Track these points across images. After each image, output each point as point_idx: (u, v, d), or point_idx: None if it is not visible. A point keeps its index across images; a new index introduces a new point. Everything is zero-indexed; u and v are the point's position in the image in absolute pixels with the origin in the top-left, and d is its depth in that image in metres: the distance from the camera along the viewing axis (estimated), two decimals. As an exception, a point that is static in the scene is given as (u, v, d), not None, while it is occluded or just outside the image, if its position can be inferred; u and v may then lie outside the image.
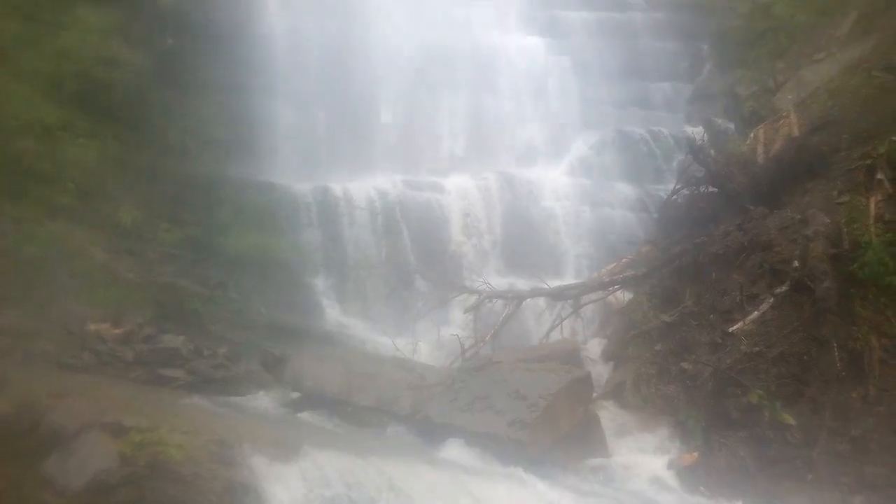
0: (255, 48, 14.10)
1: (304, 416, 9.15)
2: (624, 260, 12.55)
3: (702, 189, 12.00)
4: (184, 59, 13.90)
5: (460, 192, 14.35)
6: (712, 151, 12.43)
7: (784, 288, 9.12)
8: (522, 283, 12.93)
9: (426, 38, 15.27)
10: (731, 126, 14.57)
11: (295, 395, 9.56)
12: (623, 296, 11.73)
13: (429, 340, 11.98)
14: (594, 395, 9.35)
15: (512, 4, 16.57)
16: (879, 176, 9.41)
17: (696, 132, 14.10)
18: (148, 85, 13.43)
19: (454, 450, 8.05)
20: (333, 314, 12.98)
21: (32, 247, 11.81)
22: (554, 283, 12.06)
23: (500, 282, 13.17)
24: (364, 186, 13.96)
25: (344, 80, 14.60)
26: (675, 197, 12.49)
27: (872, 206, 9.28)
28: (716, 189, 11.64)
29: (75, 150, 12.71)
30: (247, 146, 13.91)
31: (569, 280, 13.14)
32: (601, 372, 10.58)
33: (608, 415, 9.30)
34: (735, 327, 9.27)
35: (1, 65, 12.61)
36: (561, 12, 16.55)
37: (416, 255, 13.68)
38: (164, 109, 13.61)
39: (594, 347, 11.25)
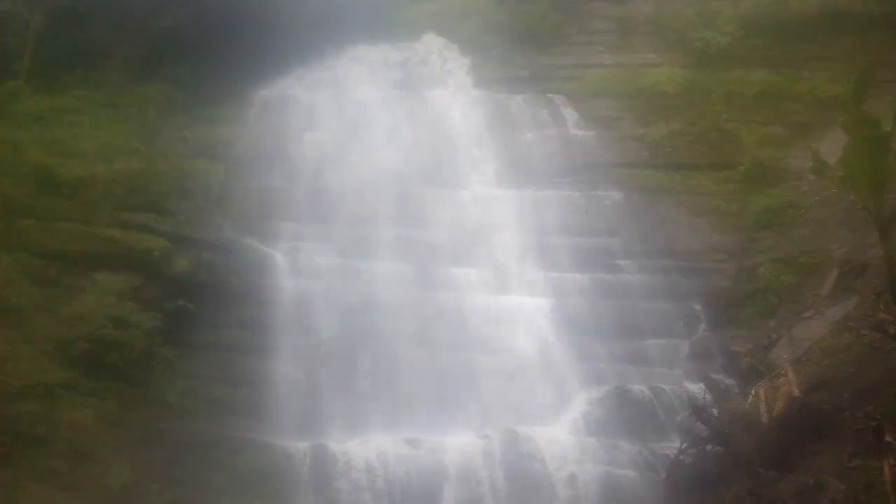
0: (261, 310, 14.67)
1: None
2: (636, 526, 11.92)
3: (708, 448, 11.76)
4: (192, 320, 14.36)
5: (462, 452, 13.90)
6: (715, 410, 12.36)
7: (808, 560, 8.64)
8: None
9: (427, 299, 15.79)
10: (731, 382, 14.48)
11: None
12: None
13: None
14: None
15: (508, 265, 17.31)
16: (888, 439, 9.25)
17: (697, 388, 14.08)
18: (154, 344, 13.73)
19: None
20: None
21: (13, 515, 11.32)
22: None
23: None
24: (363, 445, 13.64)
25: (346, 339, 14.92)
26: (681, 457, 12.17)
27: (887, 470, 9.01)
28: (722, 448, 11.39)
29: (73, 410, 12.63)
30: (246, 405, 13.91)
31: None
32: None
33: None
34: None
35: (15, 328, 12.97)
36: (554, 273, 17.20)
37: (417, 521, 12.98)
38: (167, 368, 13.82)
39: None
